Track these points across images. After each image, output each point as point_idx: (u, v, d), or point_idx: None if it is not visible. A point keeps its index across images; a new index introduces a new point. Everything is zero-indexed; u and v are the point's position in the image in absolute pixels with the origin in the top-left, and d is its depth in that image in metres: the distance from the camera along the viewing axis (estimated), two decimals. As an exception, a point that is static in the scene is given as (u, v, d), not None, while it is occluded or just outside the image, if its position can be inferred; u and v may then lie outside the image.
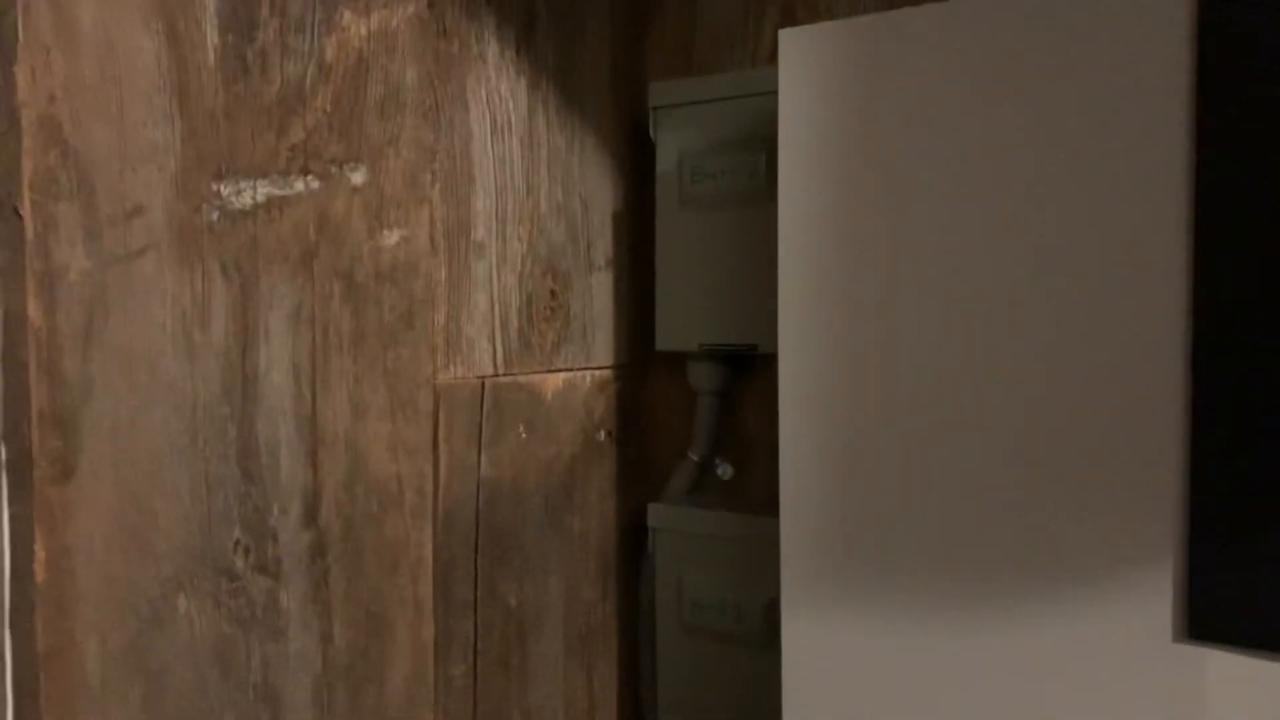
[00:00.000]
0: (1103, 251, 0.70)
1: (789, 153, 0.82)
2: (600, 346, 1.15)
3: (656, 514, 1.13)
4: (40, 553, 0.70)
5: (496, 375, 1.02)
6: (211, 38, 0.77)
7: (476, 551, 1.01)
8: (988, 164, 0.74)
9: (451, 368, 0.98)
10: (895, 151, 0.78)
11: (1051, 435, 0.73)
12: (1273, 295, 0.65)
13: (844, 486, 0.81)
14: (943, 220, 0.76)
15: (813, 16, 1.07)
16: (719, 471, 1.16)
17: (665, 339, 1.12)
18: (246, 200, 0.80)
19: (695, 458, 1.16)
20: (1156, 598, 0.69)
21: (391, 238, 0.91)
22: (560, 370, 1.10)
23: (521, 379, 1.05)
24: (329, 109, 0.86)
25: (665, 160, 1.09)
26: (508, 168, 1.02)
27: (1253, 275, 0.65)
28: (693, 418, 1.16)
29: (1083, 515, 0.72)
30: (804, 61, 0.81)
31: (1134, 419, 0.70)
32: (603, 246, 1.15)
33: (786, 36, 0.82)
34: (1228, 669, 0.67)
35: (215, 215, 0.78)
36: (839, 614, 0.81)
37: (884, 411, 0.79)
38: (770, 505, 1.08)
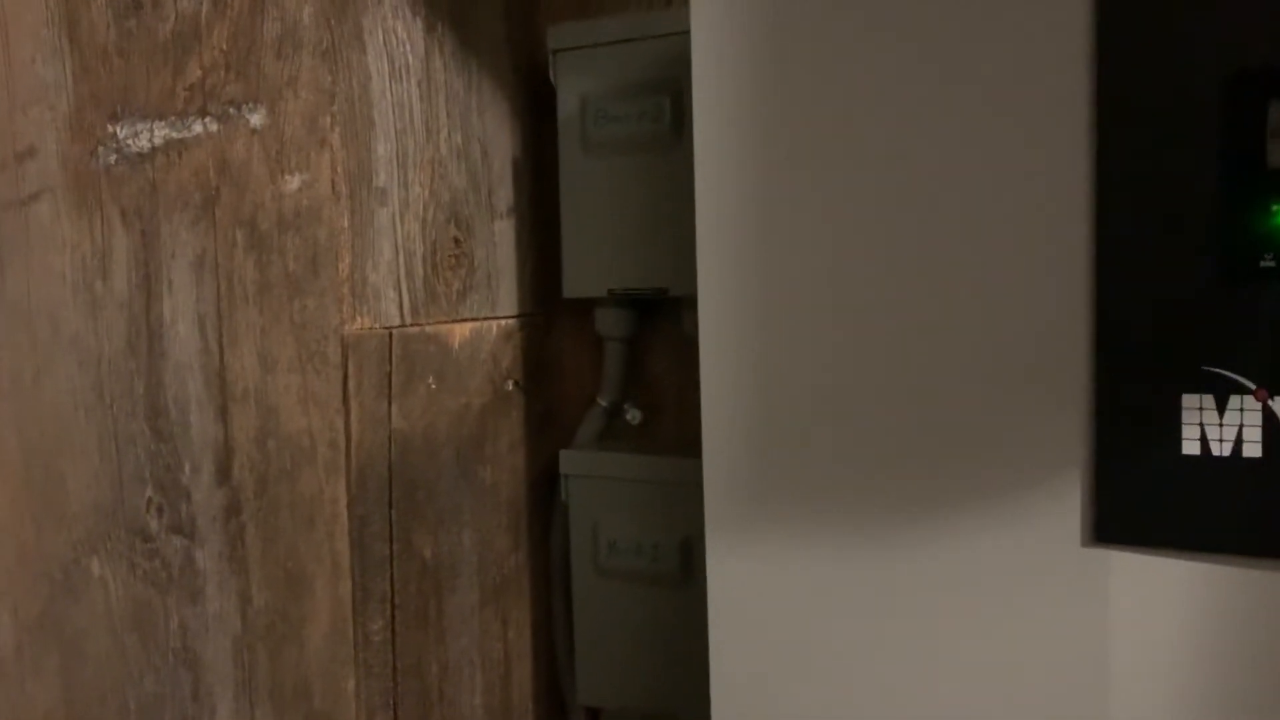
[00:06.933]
0: (1011, 167, 0.73)
1: (703, 92, 0.82)
2: (506, 295, 1.14)
3: (568, 460, 1.13)
4: (-57, 519, 0.66)
5: (404, 325, 1.00)
6: (99, -31, 0.73)
7: (391, 505, 0.99)
8: (905, 97, 0.76)
9: (358, 318, 0.95)
10: (811, 86, 0.79)
11: (965, 356, 0.75)
12: (1174, 195, 0.68)
13: (764, 422, 0.82)
14: (857, 152, 0.77)
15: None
16: (628, 416, 1.17)
17: (572, 285, 1.11)
18: (144, 143, 0.76)
19: (604, 404, 1.16)
20: (1066, 504, 0.73)
21: (293, 183, 0.88)
22: (467, 320, 1.09)
23: (429, 329, 1.03)
24: (225, 47, 0.82)
25: (567, 105, 1.08)
26: (407, 111, 1.00)
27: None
28: (601, 365, 1.16)
29: (995, 432, 0.75)
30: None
31: (1041, 331, 0.72)
32: (504, 193, 1.13)
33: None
34: (1131, 572, 0.71)
35: (113, 159, 0.74)
36: (760, 549, 0.83)
37: (802, 345, 0.80)
38: (680, 446, 1.10)
